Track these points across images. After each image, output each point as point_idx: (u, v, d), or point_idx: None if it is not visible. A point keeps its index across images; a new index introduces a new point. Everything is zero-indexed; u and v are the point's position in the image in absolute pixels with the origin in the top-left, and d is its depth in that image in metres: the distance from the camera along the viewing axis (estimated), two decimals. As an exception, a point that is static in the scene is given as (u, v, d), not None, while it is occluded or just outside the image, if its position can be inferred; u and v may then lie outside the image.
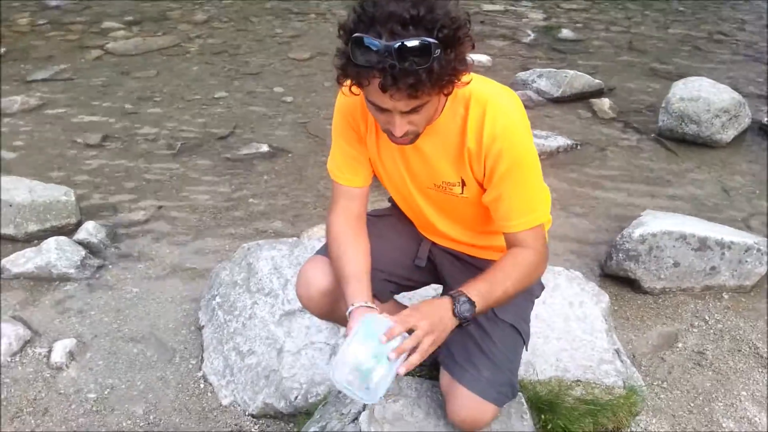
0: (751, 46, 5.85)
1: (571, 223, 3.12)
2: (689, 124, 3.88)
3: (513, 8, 6.66)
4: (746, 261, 2.63)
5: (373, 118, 1.44)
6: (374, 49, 1.14)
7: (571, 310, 2.23)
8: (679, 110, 3.90)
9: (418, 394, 1.68)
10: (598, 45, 5.73)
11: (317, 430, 1.70)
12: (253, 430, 2.01)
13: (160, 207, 3.18)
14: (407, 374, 1.38)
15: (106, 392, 2.13)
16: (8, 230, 2.83)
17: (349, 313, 1.41)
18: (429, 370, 1.76)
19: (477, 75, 1.39)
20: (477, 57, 4.77)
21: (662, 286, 2.65)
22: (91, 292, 2.58)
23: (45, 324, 2.41)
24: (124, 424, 2.02)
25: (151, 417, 2.05)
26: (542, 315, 2.14)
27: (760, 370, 2.30)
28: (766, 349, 2.39)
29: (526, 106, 1.45)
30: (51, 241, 2.70)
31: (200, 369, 2.22)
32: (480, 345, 1.51)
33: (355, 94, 1.30)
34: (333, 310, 1.62)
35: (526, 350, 1.66)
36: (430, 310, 1.33)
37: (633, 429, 2.03)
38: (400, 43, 1.13)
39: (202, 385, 2.17)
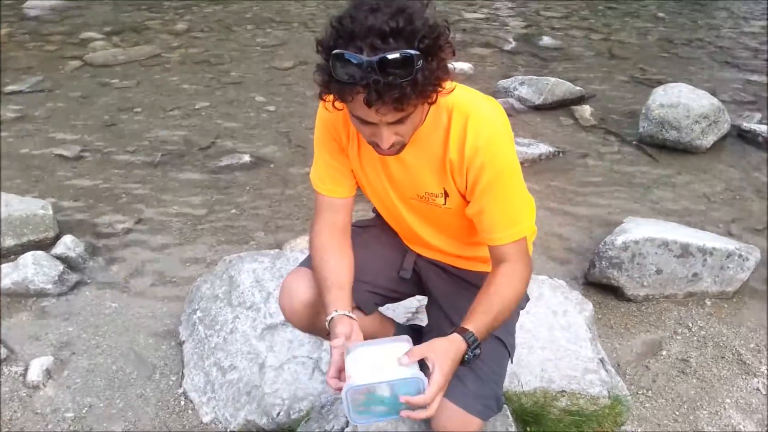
0: (729, 52, 5.93)
1: (553, 231, 3.12)
2: (669, 130, 3.91)
3: (494, 16, 6.70)
4: (728, 267, 2.64)
5: (356, 129, 1.42)
6: (356, 64, 1.12)
7: (555, 320, 2.22)
8: (660, 116, 3.93)
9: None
10: (579, 52, 5.78)
11: (300, 447, 1.68)
12: (235, 447, 1.98)
13: (139, 220, 3.13)
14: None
15: (84, 411, 2.09)
16: (-16, 245, 2.78)
17: (329, 321, 1.39)
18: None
19: (460, 84, 1.38)
20: (459, 65, 4.79)
21: (645, 293, 2.65)
22: (69, 308, 2.53)
23: (21, 341, 2.35)
24: (103, 444, 1.98)
25: (131, 436, 2.01)
26: (526, 325, 2.13)
27: (744, 377, 2.31)
28: (749, 356, 2.40)
29: (508, 114, 1.44)
30: (28, 256, 2.65)
31: (181, 385, 2.19)
32: (465, 358, 1.50)
33: (338, 110, 1.28)
34: (316, 323, 1.60)
35: (512, 362, 1.65)
36: (449, 366, 1.30)
37: (618, 438, 2.02)
38: (382, 57, 1.11)
39: (182, 402, 2.13)
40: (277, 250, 2.66)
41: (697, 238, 2.69)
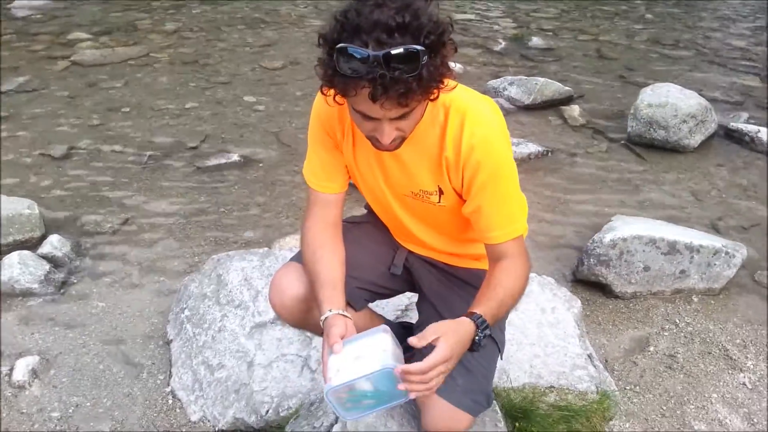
0: (716, 52, 5.98)
1: (542, 229, 3.13)
2: (657, 130, 3.93)
3: (484, 17, 6.72)
4: (715, 264, 2.66)
5: (352, 124, 1.42)
6: (361, 58, 1.11)
7: (543, 316, 2.23)
8: (648, 116, 3.95)
9: (392, 406, 1.65)
10: (568, 53, 5.80)
11: (288, 444, 1.67)
12: (223, 445, 1.97)
13: (126, 219, 3.12)
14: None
15: (70, 410, 2.07)
16: (-31, 245, 2.75)
17: (324, 320, 1.39)
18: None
19: (456, 82, 1.38)
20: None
21: (633, 290, 2.67)
22: (56, 308, 2.51)
23: (7, 341, 2.33)
24: (90, 443, 1.96)
25: (118, 435, 2.00)
26: (515, 321, 2.13)
27: (730, 372, 2.32)
28: (735, 351, 2.41)
29: (498, 114, 1.45)
30: (14, 256, 2.63)
31: (168, 384, 2.17)
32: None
33: (339, 104, 1.27)
34: (306, 318, 1.59)
35: (501, 359, 1.65)
36: (454, 342, 1.26)
37: (607, 434, 2.03)
38: (387, 52, 1.10)
39: (170, 401, 2.12)
40: (265, 249, 2.65)
41: (685, 235, 2.70)
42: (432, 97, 1.23)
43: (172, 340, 2.32)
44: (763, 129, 4.08)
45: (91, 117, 4.17)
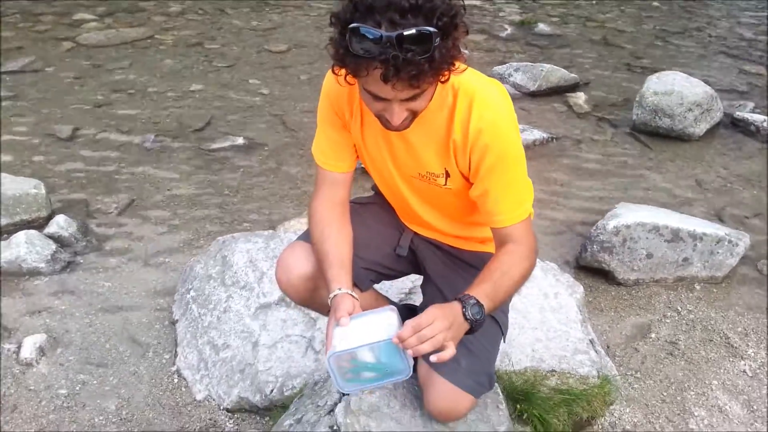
0: (723, 41, 5.94)
1: (546, 215, 3.14)
2: (663, 118, 3.92)
3: (490, 2, 6.68)
4: (717, 252, 2.67)
5: (361, 104, 1.42)
6: (374, 39, 1.12)
7: (546, 301, 2.24)
8: (653, 104, 3.94)
9: (395, 386, 1.67)
10: (574, 40, 5.78)
11: (293, 422, 1.69)
12: (228, 424, 1.99)
13: (132, 200, 3.13)
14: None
15: (77, 388, 2.10)
16: (-24, 224, 2.77)
17: (332, 298, 1.40)
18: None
19: (466, 66, 1.38)
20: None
21: (636, 277, 2.68)
22: (62, 287, 2.53)
23: (14, 319, 2.35)
24: (96, 420, 1.99)
25: (124, 413, 2.02)
26: (518, 306, 2.15)
27: (731, 359, 2.34)
28: (736, 339, 2.43)
29: (505, 99, 1.45)
30: (21, 235, 2.64)
31: (174, 364, 2.19)
32: (459, 336, 1.51)
33: (350, 84, 1.27)
34: (313, 297, 1.60)
35: (504, 342, 1.66)
36: (444, 312, 1.28)
37: (607, 418, 2.05)
38: (400, 33, 1.10)
39: (175, 380, 2.14)
40: (270, 231, 2.67)
41: (688, 223, 2.71)
42: (443, 79, 1.24)
43: (177, 320, 2.34)
44: (768, 119, 4.08)
45: (96, 98, 4.17)
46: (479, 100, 1.36)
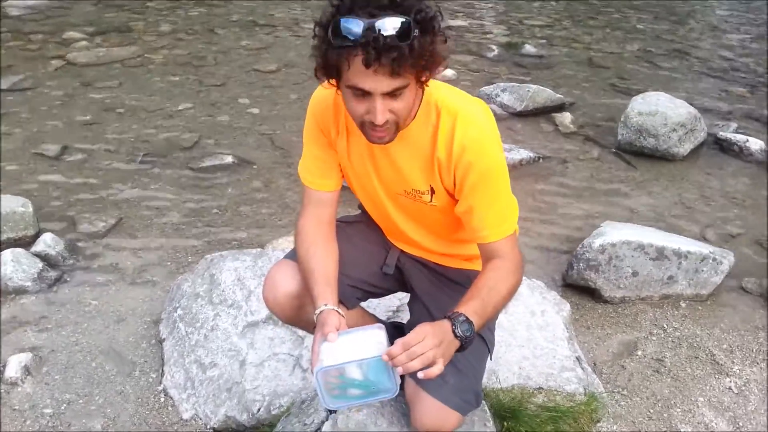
0: (706, 62, 6.06)
1: (533, 233, 3.17)
2: (647, 138, 3.98)
3: (477, 24, 6.77)
4: (702, 270, 2.70)
5: (346, 121, 1.44)
6: (354, 27, 1.17)
7: (533, 319, 2.26)
8: (638, 124, 4.00)
9: (382, 404, 1.67)
10: (560, 61, 5.86)
11: (280, 441, 1.69)
12: (214, 443, 1.98)
13: (120, 218, 3.12)
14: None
15: (62, 407, 2.08)
16: (-38, 242, 2.75)
17: (318, 314, 1.40)
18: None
19: (450, 85, 1.41)
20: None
21: (622, 295, 2.70)
22: (48, 305, 2.52)
23: (-1, 338, 2.34)
24: (81, 440, 1.97)
25: (110, 432, 2.00)
26: (504, 323, 2.16)
27: (717, 376, 2.36)
28: (722, 356, 2.45)
29: (491, 119, 1.48)
30: (7, 253, 2.63)
31: (161, 383, 2.18)
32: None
33: (335, 87, 1.31)
34: (299, 315, 1.61)
35: (491, 359, 1.67)
36: (434, 330, 1.28)
37: (594, 436, 2.06)
38: (380, 20, 1.17)
39: (162, 399, 2.13)
40: (258, 250, 2.67)
41: (673, 241, 2.74)
42: (423, 78, 1.27)
43: (164, 339, 2.33)
44: (751, 139, 4.15)
45: (85, 117, 4.17)
46: (462, 118, 1.39)
